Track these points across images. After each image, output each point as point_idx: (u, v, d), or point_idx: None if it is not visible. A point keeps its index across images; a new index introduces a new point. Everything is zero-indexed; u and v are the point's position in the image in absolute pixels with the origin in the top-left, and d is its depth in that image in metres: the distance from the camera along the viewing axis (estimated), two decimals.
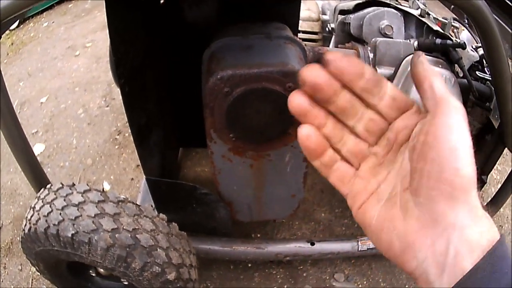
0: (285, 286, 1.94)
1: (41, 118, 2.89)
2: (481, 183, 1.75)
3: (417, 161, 0.49)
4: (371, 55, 1.56)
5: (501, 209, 2.11)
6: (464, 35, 1.75)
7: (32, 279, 1.98)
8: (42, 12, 4.31)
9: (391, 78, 1.49)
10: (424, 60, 0.52)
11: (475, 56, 1.63)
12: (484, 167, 1.72)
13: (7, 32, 4.07)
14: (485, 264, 0.44)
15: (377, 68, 1.52)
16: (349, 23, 1.66)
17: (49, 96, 3.10)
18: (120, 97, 2.69)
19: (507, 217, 2.30)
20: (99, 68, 3.37)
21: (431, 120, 0.49)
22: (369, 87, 0.54)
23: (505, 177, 1.81)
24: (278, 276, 1.97)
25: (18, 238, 2.15)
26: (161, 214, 1.36)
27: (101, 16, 4.08)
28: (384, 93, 0.55)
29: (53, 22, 4.18)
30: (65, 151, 2.63)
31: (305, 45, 1.37)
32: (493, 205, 1.88)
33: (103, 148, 2.63)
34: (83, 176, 2.44)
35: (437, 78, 0.51)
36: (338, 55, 0.54)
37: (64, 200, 1.26)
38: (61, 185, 1.32)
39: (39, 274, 1.94)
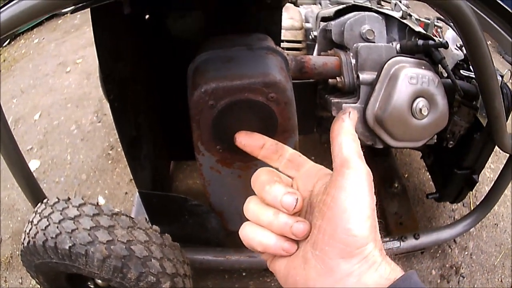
0: None
1: (35, 134, 2.92)
2: (473, 182, 1.75)
3: (317, 217, 0.55)
4: (353, 61, 1.56)
5: (496, 208, 2.13)
6: (449, 34, 1.76)
7: None
8: (32, 28, 4.33)
9: (374, 83, 1.50)
10: (346, 118, 0.60)
11: (460, 54, 1.64)
12: (474, 167, 1.73)
13: None
14: None
15: (360, 74, 1.52)
16: (331, 29, 1.66)
17: (42, 112, 3.13)
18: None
19: (502, 215, 2.33)
20: (90, 84, 3.40)
21: (331, 182, 0.55)
22: (268, 154, 0.73)
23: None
24: (273, 284, 1.98)
25: (17, 252, 2.17)
26: (154, 225, 1.38)
27: (90, 32, 4.00)
28: (283, 157, 0.71)
29: (43, 39, 4.21)
30: (60, 167, 2.65)
31: (287, 54, 1.39)
32: (486, 204, 1.90)
33: (96, 163, 2.65)
34: (78, 191, 2.46)
35: (348, 137, 0.57)
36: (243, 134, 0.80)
37: (61, 213, 1.28)
38: (57, 200, 1.34)
39: (39, 286, 1.95)
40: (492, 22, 1.51)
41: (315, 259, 0.53)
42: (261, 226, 0.60)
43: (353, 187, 0.52)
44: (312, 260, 0.53)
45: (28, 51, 4.02)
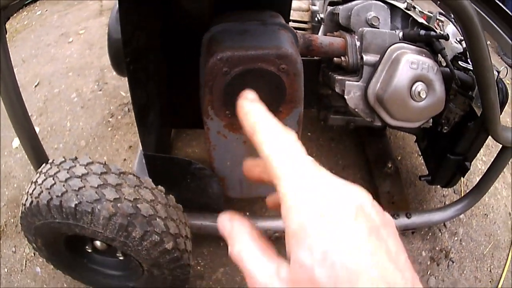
0: None
1: (35, 102, 2.90)
2: (465, 169, 1.81)
3: None
4: (358, 43, 1.62)
5: (486, 199, 2.23)
6: (450, 29, 1.81)
7: (25, 261, 1.99)
8: (35, 1, 4.29)
9: (376, 64, 1.57)
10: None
11: (459, 47, 1.70)
12: (467, 154, 1.79)
13: None
14: None
15: (364, 55, 1.59)
16: (338, 13, 1.72)
17: (43, 81, 3.12)
18: (113, 81, 2.76)
19: (492, 207, 2.38)
20: (92, 54, 3.38)
21: None
22: None
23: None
24: None
25: (12, 220, 2.17)
26: (159, 186, 1.41)
27: (94, 5, 4.08)
28: None
29: (46, 11, 4.16)
30: (59, 134, 2.65)
31: (296, 32, 1.44)
32: (477, 191, 1.96)
33: (96, 130, 2.66)
34: None
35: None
36: None
37: (67, 172, 1.30)
38: (63, 159, 1.36)
39: (33, 255, 1.94)
40: (493, 23, 1.60)
41: None
42: None
43: None
44: None
45: (31, 23, 3.99)
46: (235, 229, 0.46)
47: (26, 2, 4.23)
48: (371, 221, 0.39)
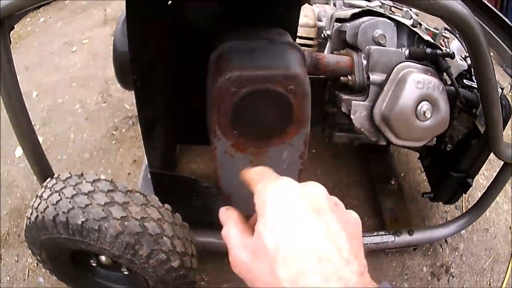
0: None
1: (39, 112, 2.89)
2: (467, 185, 1.82)
3: None
4: (364, 62, 1.63)
5: (487, 213, 2.21)
6: (455, 45, 1.82)
7: (28, 270, 1.99)
8: (39, 7, 4.27)
9: (382, 84, 1.57)
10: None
11: (464, 65, 1.71)
12: (470, 171, 1.79)
13: None
14: None
15: (370, 74, 1.59)
16: (345, 31, 1.72)
17: (47, 90, 3.10)
18: (117, 94, 2.75)
19: (493, 221, 2.39)
20: (96, 65, 3.36)
21: None
22: None
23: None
24: None
25: (14, 230, 2.17)
26: (166, 204, 1.40)
27: (98, 13, 4.06)
28: None
29: (50, 18, 4.14)
30: (63, 145, 2.64)
31: (304, 50, 1.44)
32: (479, 207, 1.97)
33: (100, 143, 2.65)
34: (80, 170, 2.43)
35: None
36: None
37: (74, 188, 1.29)
38: (69, 175, 1.35)
39: (35, 265, 1.93)
40: (495, 36, 1.59)
41: None
42: None
43: None
44: None
45: (34, 29, 3.96)
46: (225, 216, 0.62)
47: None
48: (317, 204, 0.51)
